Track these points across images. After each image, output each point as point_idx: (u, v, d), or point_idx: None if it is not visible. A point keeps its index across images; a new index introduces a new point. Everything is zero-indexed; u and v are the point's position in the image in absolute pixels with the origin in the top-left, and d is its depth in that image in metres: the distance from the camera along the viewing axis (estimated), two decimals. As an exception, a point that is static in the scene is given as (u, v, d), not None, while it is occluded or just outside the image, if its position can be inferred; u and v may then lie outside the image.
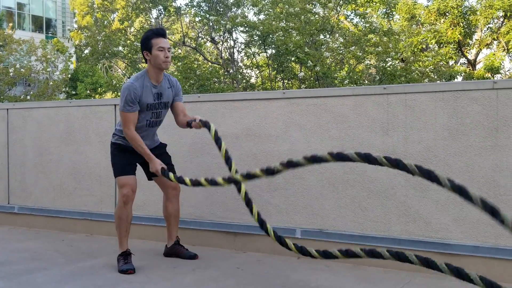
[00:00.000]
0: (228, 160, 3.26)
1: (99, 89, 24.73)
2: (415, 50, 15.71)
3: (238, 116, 4.16)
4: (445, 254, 3.41)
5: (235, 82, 14.97)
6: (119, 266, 3.55)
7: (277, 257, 3.90)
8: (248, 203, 3.14)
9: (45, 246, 4.37)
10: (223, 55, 16.21)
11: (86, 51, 17.38)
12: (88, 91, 25.09)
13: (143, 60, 3.77)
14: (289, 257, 3.88)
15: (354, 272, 3.43)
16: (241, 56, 16.52)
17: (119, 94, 15.77)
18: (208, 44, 18.91)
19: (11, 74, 17.88)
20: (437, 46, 16.97)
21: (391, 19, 19.44)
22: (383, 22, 18.35)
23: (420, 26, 17.87)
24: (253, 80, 16.40)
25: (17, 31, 27.27)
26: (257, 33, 14.28)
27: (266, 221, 3.12)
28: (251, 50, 15.64)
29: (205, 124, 3.51)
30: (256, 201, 4.05)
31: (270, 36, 14.01)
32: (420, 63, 14.91)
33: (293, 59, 13.99)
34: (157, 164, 3.58)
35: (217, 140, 3.36)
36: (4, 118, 5.38)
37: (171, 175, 3.50)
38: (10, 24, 23.88)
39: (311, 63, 13.07)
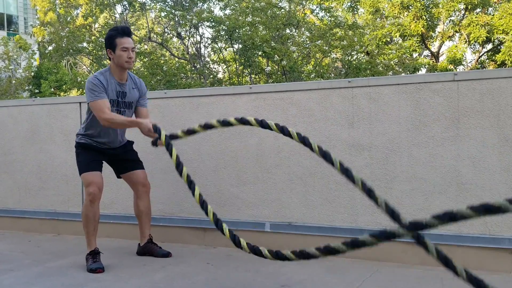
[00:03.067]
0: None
1: (63, 86, 24.27)
2: (380, 43, 15.89)
3: (206, 111, 4.16)
4: (411, 243, 3.48)
5: (202, 77, 14.90)
6: (87, 265, 3.52)
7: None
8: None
9: (11, 247, 4.29)
10: (189, 50, 16.11)
11: (50, 48, 17.03)
12: (52, 89, 24.59)
13: (108, 58, 3.72)
14: (259, 250, 3.91)
15: (323, 263, 3.48)
16: (208, 51, 16.45)
17: (84, 91, 15.54)
18: (175, 39, 18.76)
19: (-28, 72, 17.43)
20: (401, 39, 17.22)
21: (355, 13, 19.65)
22: (348, 16, 18.54)
23: (384, 19, 18.09)
24: (220, 75, 16.35)
25: (-23, 28, 26.55)
26: (224, 28, 14.23)
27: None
28: (217, 45, 15.57)
29: (171, 137, 3.29)
30: (225, 195, 4.08)
31: (237, 30, 13.98)
32: (385, 56, 15.10)
33: (259, 53, 14.00)
34: (147, 123, 3.41)
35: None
36: (-35, 118, 5.24)
37: (163, 133, 3.24)
38: (-31, 21, 23.25)
39: (277, 57, 13.10)
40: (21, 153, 4.98)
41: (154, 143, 3.47)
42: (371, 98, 3.64)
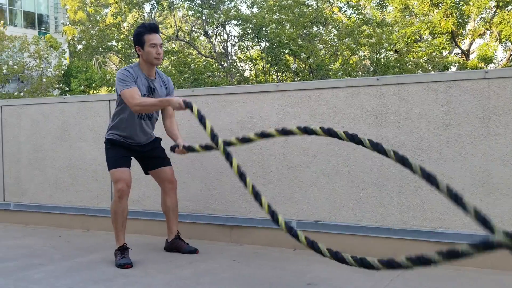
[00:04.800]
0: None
1: (93, 84, 24.64)
2: (409, 41, 15.72)
3: (232, 109, 4.17)
4: (440, 243, 3.44)
5: (229, 75, 14.96)
6: (116, 260, 3.57)
7: (273, 249, 3.92)
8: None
9: (42, 242, 4.38)
10: (216, 48, 16.18)
11: (80, 46, 17.29)
12: (82, 87, 24.99)
13: (137, 55, 3.77)
14: (285, 248, 3.91)
15: (349, 262, 3.46)
16: (235, 50, 16.50)
17: (113, 89, 15.74)
18: (202, 38, 18.87)
19: (4, 71, 17.79)
20: (430, 37, 16.99)
21: (384, 10, 19.45)
22: (377, 13, 18.37)
23: (414, 17, 17.87)
24: (247, 74, 16.38)
25: (9, 27, 27.08)
26: (251, 26, 14.26)
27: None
28: (244, 43, 15.62)
29: (188, 149, 3.52)
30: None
31: (264, 29, 13.99)
32: (414, 54, 14.93)
33: (286, 51, 13.99)
34: (177, 99, 3.39)
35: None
36: (-2, 115, 5.37)
37: (194, 107, 3.23)
38: (2, 21, 23.72)
39: (304, 55, 13.07)
40: (52, 150, 5.08)
41: (172, 150, 3.60)
42: (400, 96, 3.60)
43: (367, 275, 3.21)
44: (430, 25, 16.47)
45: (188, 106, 3.29)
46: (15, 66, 18.42)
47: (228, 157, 2.99)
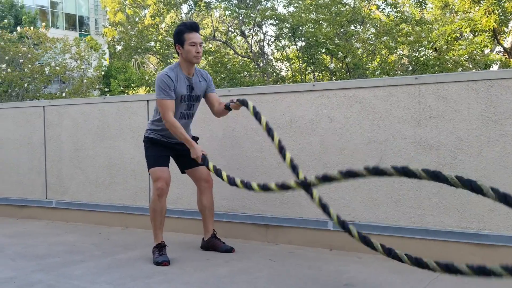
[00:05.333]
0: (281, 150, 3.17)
1: (132, 85, 25.05)
2: (449, 39, 15.39)
3: (268, 109, 4.17)
4: (480, 245, 3.37)
5: (265, 75, 14.96)
6: (154, 258, 3.62)
7: (309, 249, 3.91)
8: (325, 207, 2.90)
9: (82, 239, 4.49)
10: (253, 48, 16.21)
11: (119, 48, 17.59)
12: (121, 87, 25.44)
13: (175, 55, 3.83)
14: (321, 249, 3.90)
15: (386, 263, 3.42)
16: (271, 49, 16.49)
17: (151, 89, 15.96)
18: (238, 38, 18.94)
19: (47, 72, 18.23)
20: (471, 35, 16.60)
21: (423, 8, 19.09)
22: (416, 11, 18.05)
23: (454, 14, 17.50)
24: (283, 73, 16.35)
25: (51, 29, 27.77)
26: (287, 25, 14.22)
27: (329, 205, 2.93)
28: (281, 43, 15.58)
29: (243, 102, 3.57)
30: (287, 193, 4.08)
31: (300, 28, 13.94)
32: (454, 52, 14.61)
33: (323, 51, 13.89)
34: (198, 151, 3.61)
35: (256, 114, 3.41)
36: (40, 115, 5.52)
37: (210, 165, 3.52)
38: (43, 24, 24.33)
39: (341, 54, 12.96)
40: (92, 149, 5.19)
41: (227, 107, 3.74)
42: (439, 95, 3.53)
43: (405, 276, 3.17)
44: (471, 22, 16.08)
45: (205, 163, 3.55)
46: (57, 67, 18.85)
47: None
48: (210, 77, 3.92)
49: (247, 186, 3.21)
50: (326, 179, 2.72)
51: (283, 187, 2.98)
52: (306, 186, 2.88)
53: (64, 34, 26.21)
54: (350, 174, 2.59)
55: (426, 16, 17.02)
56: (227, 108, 3.75)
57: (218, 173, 3.47)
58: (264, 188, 3.10)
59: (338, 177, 2.64)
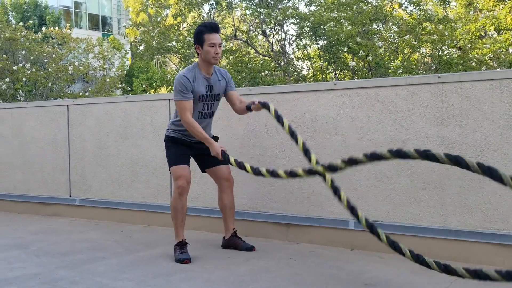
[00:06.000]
0: (306, 152, 3.21)
1: (153, 84, 25.26)
2: (473, 37, 15.18)
3: (289, 108, 4.17)
4: (504, 245, 3.33)
5: (286, 74, 14.94)
6: (175, 255, 3.65)
7: (330, 249, 3.90)
8: (336, 191, 2.96)
9: (105, 236, 4.54)
10: (274, 47, 16.20)
11: (141, 48, 17.76)
12: (143, 87, 25.67)
13: (196, 55, 3.86)
14: (342, 248, 3.89)
15: (408, 264, 3.39)
16: (292, 48, 16.46)
17: (173, 88, 16.06)
18: (259, 37, 18.95)
19: (70, 71, 18.47)
20: (496, 33, 16.34)
21: (447, 6, 18.86)
22: (439, 9, 17.83)
23: (478, 12, 17.25)
24: (304, 72, 16.31)
25: (75, 29, 28.14)
26: (308, 24, 14.18)
27: (358, 208, 2.96)
28: (302, 42, 15.55)
29: (264, 105, 3.57)
30: (308, 191, 4.07)
31: (321, 27, 13.89)
32: (478, 50, 14.41)
33: (344, 49, 13.82)
34: (217, 147, 3.64)
35: (278, 118, 3.40)
36: (64, 114, 5.60)
37: (231, 158, 3.55)
38: (68, 24, 24.65)
39: (363, 53, 12.88)
40: (115, 148, 5.25)
41: (249, 107, 3.73)
42: (463, 94, 3.49)
43: (426, 277, 3.14)
44: (496, 21, 15.83)
45: (225, 158, 3.57)
46: (80, 67, 19.09)
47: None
48: (230, 75, 3.94)
49: (273, 174, 3.23)
50: (352, 162, 2.79)
51: (313, 173, 3.06)
52: (335, 189, 2.94)
53: (87, 34, 26.55)
54: (374, 157, 2.68)
55: (450, 14, 16.81)
56: (248, 109, 3.75)
57: (241, 165, 3.47)
58: (293, 174, 3.14)
59: (363, 160, 2.72)
